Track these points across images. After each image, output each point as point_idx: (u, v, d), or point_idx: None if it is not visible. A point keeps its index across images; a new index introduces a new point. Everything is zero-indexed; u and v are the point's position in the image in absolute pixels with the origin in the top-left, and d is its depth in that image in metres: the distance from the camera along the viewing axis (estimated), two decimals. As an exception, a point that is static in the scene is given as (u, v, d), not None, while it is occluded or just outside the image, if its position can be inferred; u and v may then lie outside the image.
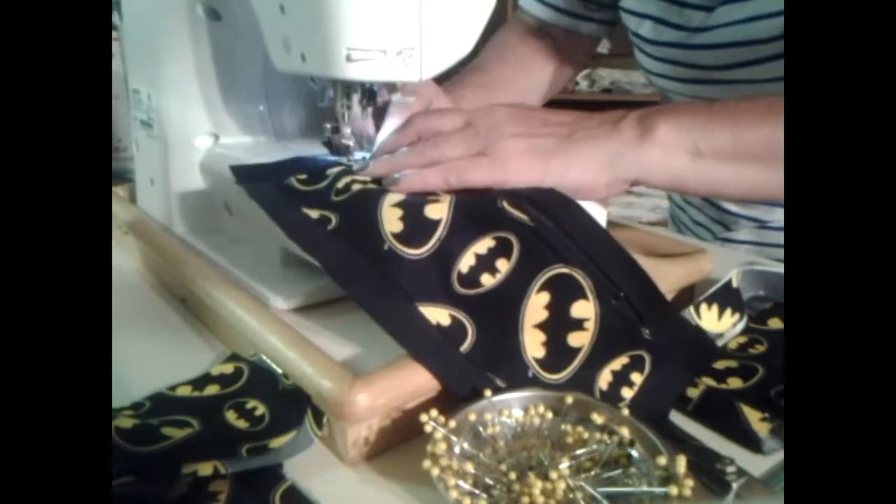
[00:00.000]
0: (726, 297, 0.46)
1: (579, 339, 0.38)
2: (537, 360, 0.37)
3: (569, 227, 0.42)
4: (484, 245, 0.39)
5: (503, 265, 0.39)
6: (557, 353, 0.38)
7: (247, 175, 0.48)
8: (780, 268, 0.52)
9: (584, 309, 0.39)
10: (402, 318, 0.37)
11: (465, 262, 0.39)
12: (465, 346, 0.37)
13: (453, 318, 0.37)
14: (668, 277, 0.49)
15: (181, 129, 0.56)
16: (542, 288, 0.38)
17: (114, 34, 0.84)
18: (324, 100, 0.54)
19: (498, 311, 0.38)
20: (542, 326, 0.38)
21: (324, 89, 0.53)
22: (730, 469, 0.33)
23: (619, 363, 0.39)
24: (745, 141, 0.44)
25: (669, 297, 0.50)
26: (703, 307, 0.45)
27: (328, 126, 0.51)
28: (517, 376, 0.37)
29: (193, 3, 0.53)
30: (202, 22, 0.54)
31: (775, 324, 0.48)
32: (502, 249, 0.39)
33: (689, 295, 0.51)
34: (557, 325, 0.38)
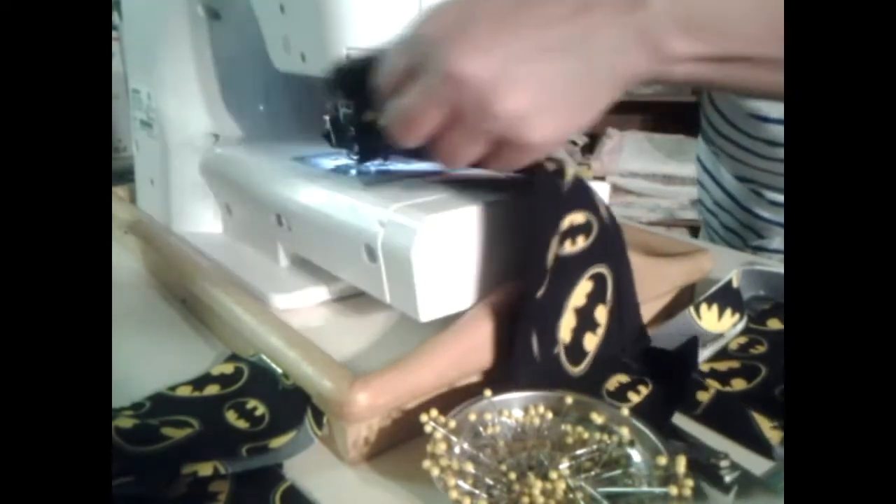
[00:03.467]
0: (726, 297, 0.46)
1: (591, 342, 0.40)
2: (564, 345, 0.38)
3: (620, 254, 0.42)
4: (572, 220, 0.39)
5: (581, 241, 0.39)
6: (575, 347, 0.39)
7: None
8: (780, 268, 0.52)
9: (601, 314, 0.40)
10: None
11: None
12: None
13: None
14: (668, 277, 0.49)
15: (181, 129, 0.56)
16: (591, 277, 0.39)
17: (114, 34, 0.84)
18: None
19: (561, 278, 0.38)
20: (578, 312, 0.39)
21: (324, 89, 0.53)
22: (723, 463, 0.33)
23: (622, 378, 0.40)
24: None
25: (669, 297, 0.50)
26: (703, 307, 0.45)
27: (327, 118, 0.51)
28: (546, 340, 0.37)
29: (193, 3, 0.53)
30: (202, 22, 0.54)
31: (775, 324, 0.48)
32: (584, 228, 0.39)
33: (689, 295, 0.51)
34: (585, 318, 0.39)
